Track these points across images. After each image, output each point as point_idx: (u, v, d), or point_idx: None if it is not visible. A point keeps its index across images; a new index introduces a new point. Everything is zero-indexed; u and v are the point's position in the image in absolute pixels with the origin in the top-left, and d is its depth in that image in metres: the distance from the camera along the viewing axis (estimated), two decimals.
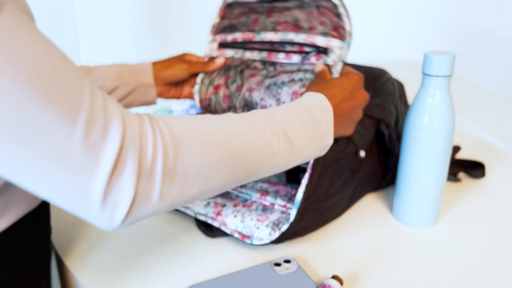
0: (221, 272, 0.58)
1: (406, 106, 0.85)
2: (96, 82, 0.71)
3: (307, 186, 0.60)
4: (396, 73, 0.99)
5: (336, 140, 0.64)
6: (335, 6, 0.66)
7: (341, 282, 0.53)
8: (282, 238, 0.60)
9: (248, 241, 0.61)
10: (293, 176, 0.73)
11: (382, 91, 0.76)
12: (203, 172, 0.42)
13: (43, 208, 0.54)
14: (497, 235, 0.66)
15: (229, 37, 0.78)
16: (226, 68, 0.77)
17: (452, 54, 0.61)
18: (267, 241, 0.60)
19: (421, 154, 0.64)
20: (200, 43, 1.82)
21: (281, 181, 0.73)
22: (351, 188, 0.68)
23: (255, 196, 0.68)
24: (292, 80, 0.67)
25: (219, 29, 0.80)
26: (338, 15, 0.66)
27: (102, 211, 0.37)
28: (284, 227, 0.59)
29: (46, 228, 0.56)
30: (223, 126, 0.45)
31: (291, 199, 0.66)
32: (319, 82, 0.61)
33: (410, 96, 0.98)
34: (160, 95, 0.78)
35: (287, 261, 0.58)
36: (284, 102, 0.67)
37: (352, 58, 0.94)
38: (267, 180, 0.73)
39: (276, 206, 0.66)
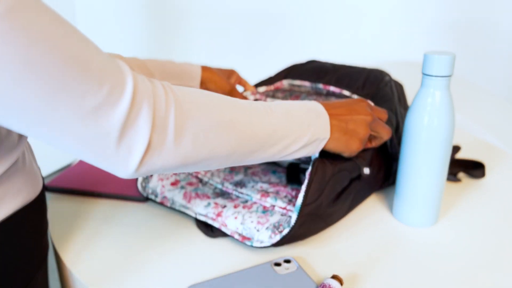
0: (221, 272, 0.58)
1: (405, 108, 0.85)
2: (155, 74, 0.76)
3: (307, 193, 0.59)
4: (395, 73, 0.99)
5: (340, 158, 0.64)
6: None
7: (341, 282, 0.53)
8: (283, 242, 0.60)
9: (248, 243, 0.61)
10: (293, 176, 0.73)
11: (380, 98, 0.77)
12: (212, 131, 0.46)
13: (39, 202, 0.54)
14: (497, 235, 0.66)
15: (268, 100, 0.83)
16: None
17: (452, 54, 0.61)
18: (268, 244, 0.60)
19: (421, 154, 0.64)
20: (200, 42, 1.82)
21: (281, 181, 0.73)
22: (351, 194, 0.68)
23: (256, 197, 0.68)
24: None
25: (264, 94, 0.86)
26: None
27: (117, 154, 0.40)
28: (285, 231, 0.59)
29: (42, 222, 0.56)
30: (230, 99, 0.50)
31: (291, 200, 0.66)
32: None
33: (410, 96, 0.98)
34: None
35: (287, 261, 0.58)
36: None
37: (352, 58, 0.94)
38: (267, 181, 0.73)
39: (276, 208, 0.66)
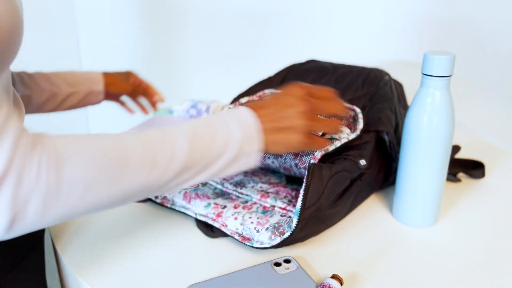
0: (221, 272, 0.58)
1: (405, 108, 0.85)
2: (52, 87, 0.85)
3: (306, 197, 0.59)
4: (395, 73, 0.99)
5: (334, 160, 0.65)
6: (356, 113, 0.74)
7: (341, 281, 0.53)
8: (283, 244, 0.60)
9: (248, 243, 0.61)
10: (292, 176, 0.74)
11: (379, 97, 0.77)
12: (87, 192, 0.43)
13: None
14: (497, 235, 0.66)
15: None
16: None
17: (452, 54, 0.61)
18: (268, 245, 0.60)
19: (420, 154, 0.64)
20: (198, 42, 1.82)
21: (281, 182, 0.73)
22: (352, 195, 0.68)
23: (255, 198, 0.68)
24: None
25: (246, 105, 0.84)
26: (355, 119, 0.73)
27: None
28: (286, 235, 0.59)
29: None
30: (111, 144, 0.46)
31: (291, 201, 0.66)
32: None
33: (409, 97, 0.98)
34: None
35: (287, 261, 0.58)
36: (281, 156, 0.70)
37: (352, 58, 0.94)
38: (267, 181, 0.73)
39: (276, 209, 0.66)
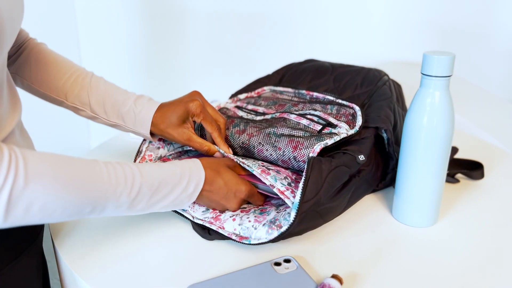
0: (220, 272, 0.58)
1: (403, 108, 0.85)
2: (104, 111, 0.74)
3: (305, 189, 0.59)
4: (395, 73, 0.99)
5: (333, 154, 0.66)
6: (355, 111, 0.74)
7: (341, 281, 0.54)
8: (281, 237, 0.60)
9: (246, 241, 0.61)
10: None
11: (378, 96, 0.77)
12: (45, 205, 0.47)
13: None
14: (496, 235, 0.66)
15: (250, 107, 0.83)
16: (232, 118, 0.79)
17: (451, 54, 0.61)
18: (265, 240, 0.60)
19: (420, 154, 0.64)
20: (197, 42, 1.83)
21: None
22: (350, 191, 0.68)
23: (256, 171, 0.66)
24: (292, 135, 0.70)
25: (244, 101, 0.86)
26: (354, 116, 0.74)
27: None
28: (284, 228, 0.59)
29: None
30: (78, 170, 0.51)
31: (290, 185, 0.65)
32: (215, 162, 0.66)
33: (409, 97, 0.98)
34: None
35: (287, 261, 0.58)
36: (280, 149, 0.70)
37: (352, 58, 0.94)
38: (267, 161, 0.73)
39: (272, 209, 0.65)
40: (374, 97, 0.77)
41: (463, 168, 0.82)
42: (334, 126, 0.71)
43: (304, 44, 1.72)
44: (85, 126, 1.94)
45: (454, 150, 0.86)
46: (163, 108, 0.72)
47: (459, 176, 0.82)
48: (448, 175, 0.80)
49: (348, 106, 0.75)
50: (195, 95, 0.73)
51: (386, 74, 0.83)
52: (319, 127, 0.71)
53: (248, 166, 0.68)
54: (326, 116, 0.73)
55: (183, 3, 1.78)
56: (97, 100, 0.73)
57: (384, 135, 0.71)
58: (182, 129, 0.72)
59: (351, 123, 0.72)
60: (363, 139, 0.69)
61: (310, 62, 0.92)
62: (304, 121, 0.73)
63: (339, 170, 0.63)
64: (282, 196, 0.63)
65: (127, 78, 1.90)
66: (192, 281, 0.56)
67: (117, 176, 0.53)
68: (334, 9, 1.66)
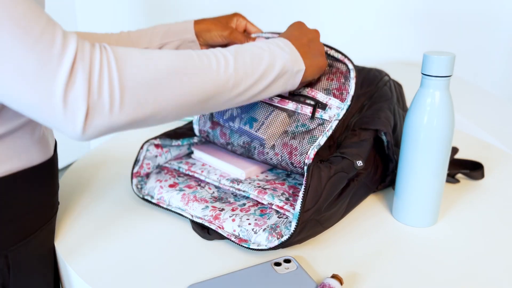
0: (221, 272, 0.58)
1: (404, 109, 0.85)
2: (143, 41, 0.76)
3: (305, 199, 0.59)
4: (395, 73, 0.99)
5: (331, 159, 0.65)
6: (348, 70, 0.69)
7: (341, 281, 0.54)
8: (280, 246, 0.60)
9: (245, 245, 0.61)
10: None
11: (378, 97, 0.77)
12: (153, 87, 0.47)
13: (48, 167, 0.60)
14: (496, 235, 0.66)
15: None
16: None
17: (451, 54, 0.61)
18: (265, 247, 0.59)
19: (420, 154, 0.64)
20: None
21: (278, 178, 0.73)
22: (348, 196, 0.67)
23: (253, 194, 0.67)
24: (286, 132, 0.69)
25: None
26: (346, 78, 0.68)
27: (65, 118, 0.43)
28: (285, 238, 0.59)
29: (51, 184, 0.62)
30: (173, 52, 0.51)
31: (288, 199, 0.66)
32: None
33: (409, 97, 0.98)
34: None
35: (287, 261, 0.58)
36: (277, 154, 0.69)
37: (352, 58, 0.94)
38: (264, 178, 0.72)
39: (274, 208, 0.65)
40: (374, 98, 0.77)
41: (463, 168, 0.82)
42: (324, 106, 0.67)
43: None
44: None
45: (454, 150, 0.86)
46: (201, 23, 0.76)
47: (459, 176, 0.82)
48: (448, 175, 0.80)
49: (341, 61, 0.70)
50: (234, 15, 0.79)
51: (387, 74, 0.83)
52: (308, 110, 0.68)
53: (244, 191, 0.68)
54: (313, 93, 0.69)
55: (183, 3, 1.79)
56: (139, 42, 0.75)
57: (384, 138, 0.71)
58: (226, 26, 0.76)
59: (343, 88, 0.68)
60: (362, 141, 0.68)
61: None
62: (290, 105, 0.69)
63: (337, 177, 0.63)
64: (281, 211, 0.64)
65: None
66: (192, 281, 0.56)
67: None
68: (334, 8, 1.66)
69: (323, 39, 0.76)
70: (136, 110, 0.46)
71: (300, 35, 0.64)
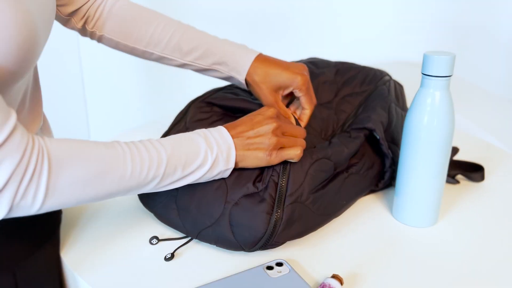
0: (213, 277, 0.57)
1: (403, 109, 0.85)
2: (198, 56, 0.74)
3: (287, 183, 0.60)
4: (396, 73, 0.99)
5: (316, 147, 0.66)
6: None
7: (341, 281, 0.54)
8: (279, 239, 0.59)
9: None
10: None
11: (374, 96, 0.77)
12: (77, 188, 0.49)
13: None
14: (496, 235, 0.66)
15: None
16: None
17: (452, 54, 0.60)
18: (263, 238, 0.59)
19: (420, 154, 0.64)
20: None
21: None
22: (337, 186, 0.66)
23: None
24: None
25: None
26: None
27: None
28: (273, 218, 0.58)
29: None
30: (100, 155, 0.51)
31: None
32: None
33: (410, 97, 0.98)
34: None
35: (279, 264, 0.58)
36: None
37: (353, 58, 0.94)
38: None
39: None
40: (370, 97, 0.78)
41: (464, 170, 0.82)
42: None
43: (305, 44, 1.71)
44: (85, 126, 1.94)
45: (455, 150, 0.85)
46: (265, 62, 0.71)
47: (459, 177, 0.82)
48: (448, 176, 0.80)
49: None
50: (304, 69, 0.71)
51: (388, 75, 0.83)
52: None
53: None
54: None
55: (183, 3, 1.78)
56: (189, 48, 0.73)
57: (376, 134, 0.72)
58: (275, 91, 0.71)
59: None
60: (353, 139, 0.70)
61: (313, 59, 0.92)
62: None
63: (322, 163, 0.64)
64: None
65: (127, 78, 1.90)
66: (184, 287, 0.56)
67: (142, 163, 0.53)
68: (336, 9, 1.66)
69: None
70: (56, 206, 0.48)
71: (248, 128, 0.61)
